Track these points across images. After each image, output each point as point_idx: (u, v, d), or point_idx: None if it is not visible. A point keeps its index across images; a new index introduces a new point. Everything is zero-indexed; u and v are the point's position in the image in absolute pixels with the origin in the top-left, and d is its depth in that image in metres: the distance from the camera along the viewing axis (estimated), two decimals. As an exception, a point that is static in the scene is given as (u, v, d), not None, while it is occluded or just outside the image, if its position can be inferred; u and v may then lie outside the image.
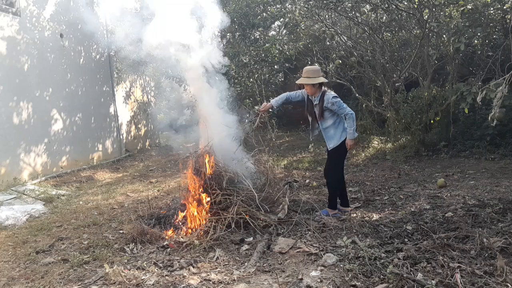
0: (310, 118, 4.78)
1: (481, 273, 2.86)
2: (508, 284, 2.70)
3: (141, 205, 5.27)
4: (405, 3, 8.30)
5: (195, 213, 4.13)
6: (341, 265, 3.18)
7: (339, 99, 4.45)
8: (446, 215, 4.23)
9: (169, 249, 3.82)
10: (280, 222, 4.25)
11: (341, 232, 4.00)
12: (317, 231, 4.01)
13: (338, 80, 10.71)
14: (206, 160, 4.41)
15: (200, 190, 4.24)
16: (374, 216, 4.54)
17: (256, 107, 5.20)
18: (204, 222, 4.10)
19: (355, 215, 4.61)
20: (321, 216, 4.56)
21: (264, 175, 4.77)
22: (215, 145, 4.57)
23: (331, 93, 4.52)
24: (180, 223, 4.24)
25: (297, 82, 4.63)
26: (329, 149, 4.61)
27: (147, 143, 12.58)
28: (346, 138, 4.47)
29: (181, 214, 4.27)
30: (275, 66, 11.98)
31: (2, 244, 4.34)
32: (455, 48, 7.24)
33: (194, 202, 4.19)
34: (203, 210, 4.15)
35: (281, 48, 10.85)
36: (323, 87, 4.56)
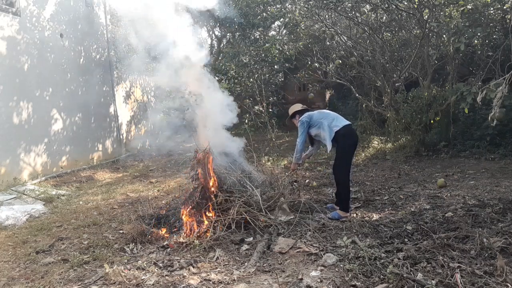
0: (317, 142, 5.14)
1: (481, 273, 2.86)
2: (508, 284, 2.70)
3: (141, 205, 5.27)
4: (405, 3, 8.30)
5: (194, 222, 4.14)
6: (341, 265, 3.18)
7: (301, 123, 4.81)
8: (446, 215, 4.23)
9: (169, 249, 3.81)
10: (280, 221, 4.25)
11: (341, 232, 4.00)
12: (317, 231, 4.01)
13: (338, 80, 10.72)
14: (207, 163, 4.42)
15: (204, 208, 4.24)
16: (374, 216, 4.54)
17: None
18: (205, 224, 4.10)
19: (355, 215, 4.61)
20: (332, 218, 4.50)
21: (267, 177, 4.81)
22: (216, 147, 4.58)
23: (303, 117, 4.87)
24: (178, 227, 4.25)
25: (287, 123, 5.45)
26: (328, 151, 4.89)
27: (147, 143, 12.57)
28: (335, 134, 4.56)
29: (185, 225, 4.24)
30: (275, 66, 12.00)
31: (2, 244, 4.34)
32: (455, 48, 7.24)
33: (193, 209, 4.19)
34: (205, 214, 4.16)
35: (281, 48, 10.86)
36: (300, 115, 4.95)
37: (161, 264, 3.44)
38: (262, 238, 3.89)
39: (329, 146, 4.64)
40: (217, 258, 3.53)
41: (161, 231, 4.21)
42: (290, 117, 5.17)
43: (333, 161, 4.95)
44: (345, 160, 4.63)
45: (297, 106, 5.14)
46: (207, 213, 4.20)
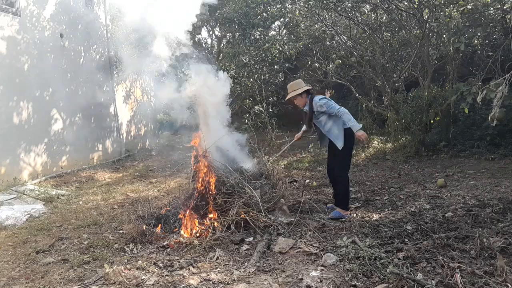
0: (316, 130, 4.84)
1: (481, 273, 2.86)
2: (508, 284, 2.70)
3: (141, 205, 5.27)
4: (405, 3, 8.31)
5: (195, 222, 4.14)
6: (341, 265, 3.18)
7: (326, 99, 4.55)
8: (446, 215, 4.23)
9: (169, 249, 3.82)
10: (280, 222, 4.25)
11: (341, 232, 4.00)
12: (317, 231, 4.01)
13: (338, 80, 10.72)
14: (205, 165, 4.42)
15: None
16: (374, 216, 4.54)
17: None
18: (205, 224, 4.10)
19: (355, 215, 4.61)
20: (333, 217, 4.46)
21: (268, 178, 4.82)
22: (216, 148, 4.59)
23: (317, 96, 4.64)
24: (178, 227, 4.25)
25: (286, 99, 4.81)
26: (340, 149, 4.54)
27: (147, 143, 12.57)
28: (344, 131, 4.51)
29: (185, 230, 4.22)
30: (275, 66, 11.98)
31: (2, 244, 4.34)
32: (455, 48, 7.24)
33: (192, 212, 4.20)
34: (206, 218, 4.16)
35: (281, 48, 10.85)
36: (309, 95, 4.70)
37: (161, 264, 3.44)
38: (262, 238, 3.89)
39: (340, 142, 4.49)
40: (217, 258, 3.53)
41: (160, 231, 4.21)
42: (298, 94, 4.66)
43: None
44: (348, 160, 4.70)
45: (303, 84, 4.74)
46: (208, 214, 4.20)
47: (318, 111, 4.57)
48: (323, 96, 4.64)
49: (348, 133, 4.54)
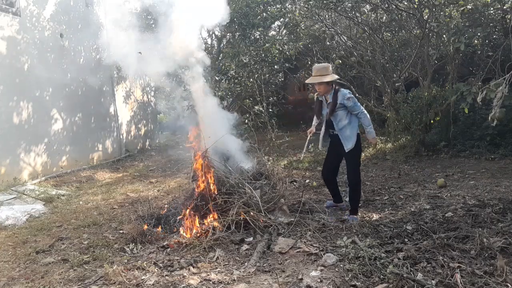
0: (323, 125, 4.65)
1: (481, 273, 2.86)
2: (508, 284, 2.71)
3: (141, 205, 5.27)
4: (405, 3, 8.31)
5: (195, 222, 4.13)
6: (341, 265, 3.18)
7: (355, 99, 4.45)
8: (446, 215, 4.23)
9: (169, 249, 3.82)
10: (281, 222, 4.25)
11: (341, 232, 4.00)
12: (317, 231, 4.01)
13: (338, 80, 10.70)
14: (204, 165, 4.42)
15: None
16: (374, 216, 4.55)
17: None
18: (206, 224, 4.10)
19: (355, 215, 4.61)
20: (351, 223, 4.32)
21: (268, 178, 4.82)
22: (215, 147, 4.59)
23: (345, 90, 4.48)
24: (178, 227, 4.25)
25: (309, 81, 4.48)
26: (346, 151, 4.43)
27: (147, 143, 12.57)
28: (359, 136, 4.50)
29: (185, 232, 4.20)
30: (275, 66, 11.98)
31: (2, 244, 4.34)
32: (455, 48, 7.23)
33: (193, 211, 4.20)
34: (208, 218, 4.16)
35: (281, 48, 10.85)
36: (334, 85, 4.50)
37: (161, 264, 3.44)
38: (262, 238, 3.89)
39: (349, 145, 4.41)
40: (217, 258, 3.53)
41: (160, 231, 4.22)
42: (327, 82, 4.37)
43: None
44: (359, 164, 4.61)
45: (331, 70, 4.46)
46: (208, 214, 4.20)
47: (341, 103, 4.35)
48: (350, 92, 4.49)
49: (358, 138, 4.52)
